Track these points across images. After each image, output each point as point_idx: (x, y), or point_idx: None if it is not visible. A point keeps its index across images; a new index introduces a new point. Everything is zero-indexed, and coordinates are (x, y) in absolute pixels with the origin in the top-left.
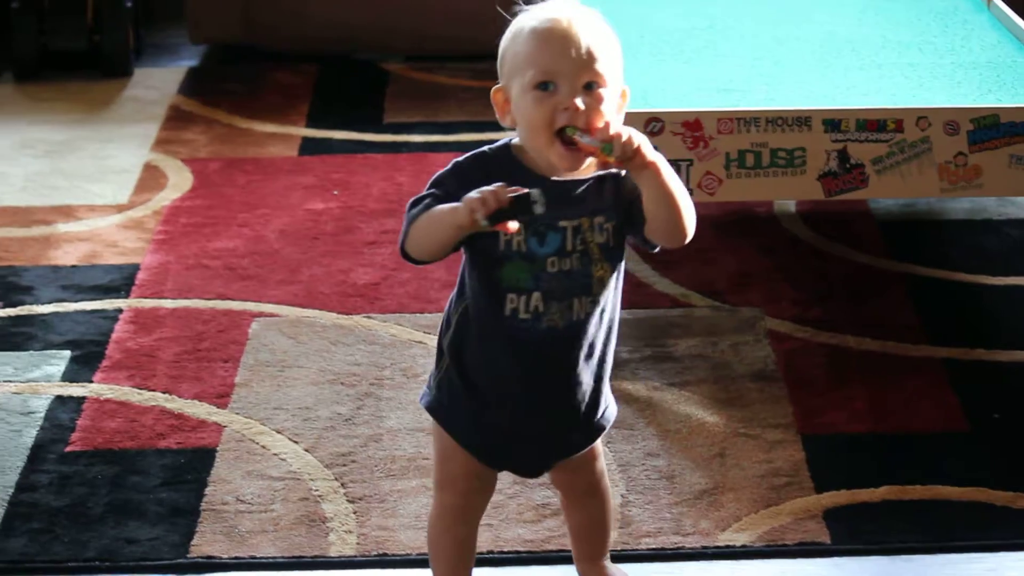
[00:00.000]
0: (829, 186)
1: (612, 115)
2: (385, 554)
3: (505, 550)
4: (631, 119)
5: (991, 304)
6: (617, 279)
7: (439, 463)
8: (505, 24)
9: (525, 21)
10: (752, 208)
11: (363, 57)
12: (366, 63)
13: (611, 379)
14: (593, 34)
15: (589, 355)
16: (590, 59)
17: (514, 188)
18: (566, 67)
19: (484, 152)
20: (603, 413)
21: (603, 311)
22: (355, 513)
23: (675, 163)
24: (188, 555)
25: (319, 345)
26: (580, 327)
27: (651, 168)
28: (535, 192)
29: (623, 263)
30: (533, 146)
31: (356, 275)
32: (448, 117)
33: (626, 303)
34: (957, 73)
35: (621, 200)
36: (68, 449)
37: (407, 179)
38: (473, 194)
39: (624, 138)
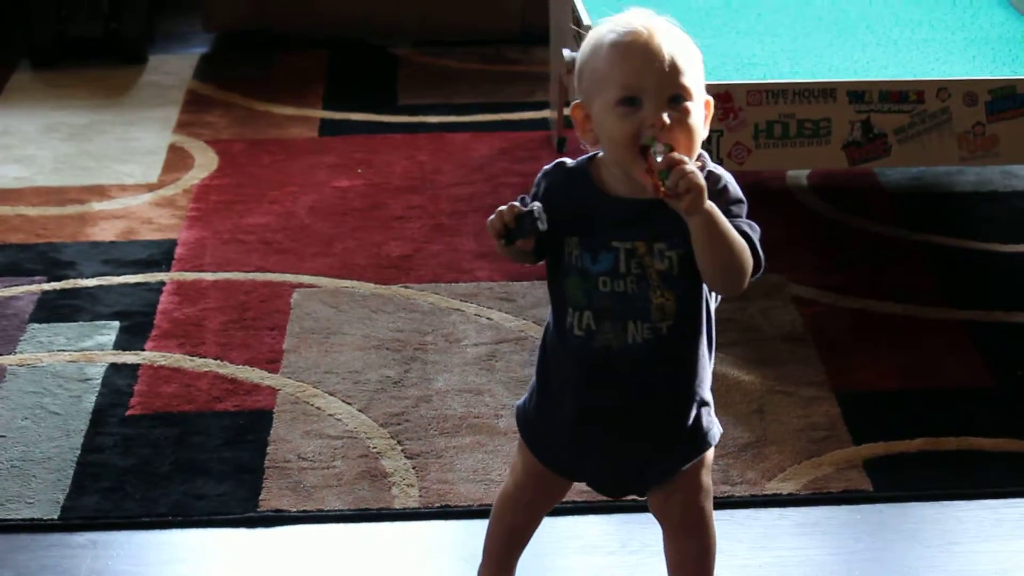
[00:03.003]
0: (853, 155)
1: (699, 129)
2: (448, 505)
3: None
4: None
5: (1004, 270)
6: (693, 308)
7: (516, 451)
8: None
9: (603, 34)
10: (765, 182)
11: (372, 42)
12: (375, 48)
13: None
14: (675, 45)
15: (657, 382)
16: (674, 71)
17: (532, 205)
18: (650, 82)
19: (563, 163)
20: (688, 446)
21: (673, 340)
22: (414, 468)
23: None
24: (258, 509)
25: (360, 313)
26: (640, 352)
27: (702, 216)
28: (537, 208)
29: (703, 292)
30: (618, 161)
31: (389, 248)
32: (462, 99)
33: None
34: (970, 48)
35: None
36: (129, 413)
37: (428, 157)
38: (489, 219)
39: (682, 173)
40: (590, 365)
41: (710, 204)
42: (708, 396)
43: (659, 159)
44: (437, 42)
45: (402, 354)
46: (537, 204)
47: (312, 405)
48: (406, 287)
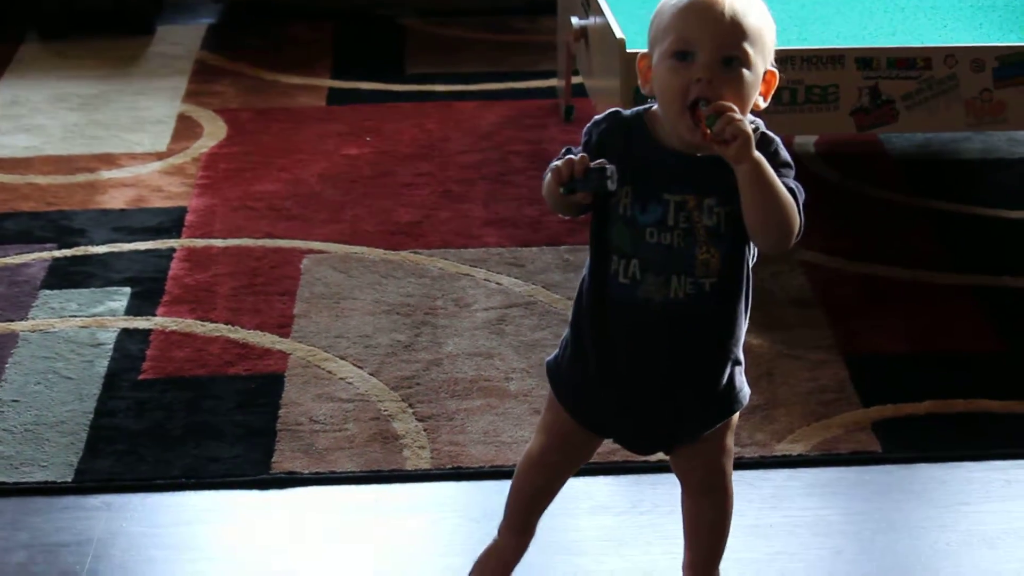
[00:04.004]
0: (861, 121)
1: (749, 96)
2: (459, 467)
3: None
4: None
5: (1011, 236)
6: (736, 267)
7: (544, 409)
8: None
9: None
10: None
11: (378, 13)
12: (381, 18)
13: None
14: (742, 10)
15: (696, 338)
16: (733, 33)
17: (599, 161)
18: (706, 37)
19: (618, 112)
20: (721, 404)
21: (715, 297)
22: (425, 431)
23: None
24: (271, 471)
25: (370, 279)
26: (681, 307)
27: (747, 164)
28: (611, 168)
29: (746, 253)
30: (665, 115)
31: (398, 214)
32: (469, 68)
33: None
34: (978, 15)
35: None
36: (141, 377)
37: (436, 125)
38: (556, 162)
39: (728, 119)
40: (632, 315)
41: (759, 155)
42: (741, 355)
43: (706, 109)
44: (444, 12)
45: (412, 319)
46: (611, 165)
47: (323, 369)
48: (415, 253)
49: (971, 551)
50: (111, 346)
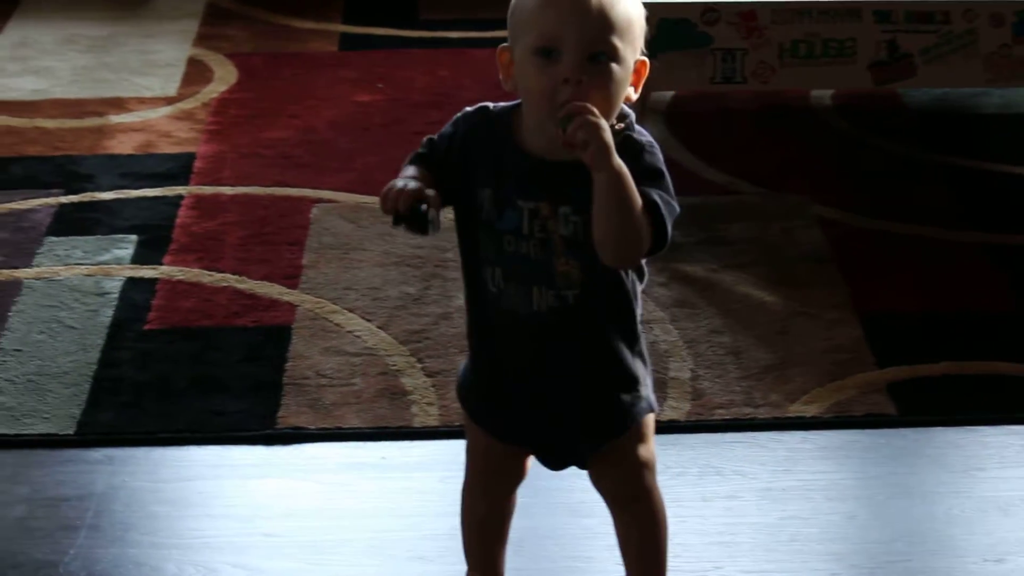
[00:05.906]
0: (878, 75)
1: (619, 92)
2: None
3: None
4: (688, 10)
5: None
6: (604, 278)
7: (465, 433)
8: None
9: None
10: (789, 101)
11: None
12: None
13: (669, 262)
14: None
15: (566, 352)
16: (601, 27)
17: (424, 199)
18: (571, 33)
19: (486, 108)
20: (608, 420)
21: (580, 309)
22: (434, 387)
23: (730, 52)
24: (276, 426)
25: (380, 229)
26: (546, 319)
27: (604, 174)
28: (432, 212)
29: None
30: (530, 116)
31: None
32: (483, 14)
33: (676, 191)
34: None
35: None
36: (146, 328)
37: (449, 73)
38: (390, 185)
39: (582, 123)
40: (504, 325)
41: (620, 165)
42: (635, 371)
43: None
44: None
45: (422, 271)
46: (433, 209)
47: (331, 322)
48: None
49: (985, 518)
50: (116, 295)
